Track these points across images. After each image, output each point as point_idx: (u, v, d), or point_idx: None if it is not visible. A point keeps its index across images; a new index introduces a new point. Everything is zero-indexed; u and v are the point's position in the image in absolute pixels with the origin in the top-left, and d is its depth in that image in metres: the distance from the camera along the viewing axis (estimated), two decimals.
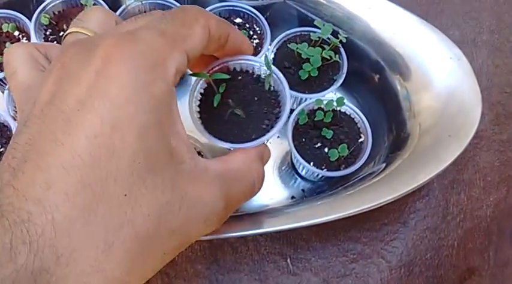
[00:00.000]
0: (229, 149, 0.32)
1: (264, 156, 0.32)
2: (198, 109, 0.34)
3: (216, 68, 0.34)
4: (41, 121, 0.22)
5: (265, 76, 0.35)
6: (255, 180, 0.29)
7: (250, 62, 0.35)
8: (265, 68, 0.35)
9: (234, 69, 0.36)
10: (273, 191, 0.48)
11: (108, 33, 0.25)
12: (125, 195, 0.21)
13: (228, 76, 0.34)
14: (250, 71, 0.36)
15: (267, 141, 0.34)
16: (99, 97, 0.22)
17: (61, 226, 0.20)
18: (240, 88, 0.35)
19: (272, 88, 0.36)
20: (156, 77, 0.23)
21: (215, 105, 0.33)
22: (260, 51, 0.48)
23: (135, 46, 0.23)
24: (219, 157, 0.29)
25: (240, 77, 0.36)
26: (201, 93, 0.34)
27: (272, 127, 0.34)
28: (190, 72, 0.33)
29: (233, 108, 0.34)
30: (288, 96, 0.34)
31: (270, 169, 0.49)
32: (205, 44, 0.27)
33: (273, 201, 0.48)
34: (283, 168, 0.50)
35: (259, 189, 0.30)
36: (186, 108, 0.33)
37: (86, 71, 0.23)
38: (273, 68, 0.34)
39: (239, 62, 0.35)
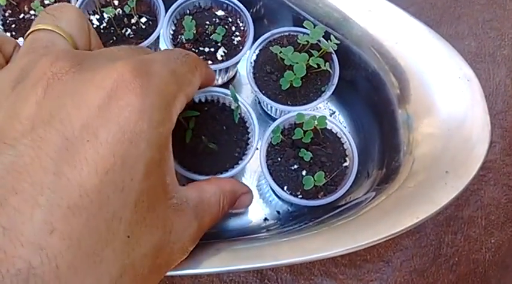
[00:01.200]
0: None
1: (242, 197, 0.33)
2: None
3: None
4: (35, 144, 0.19)
5: (230, 105, 0.37)
6: (220, 215, 0.30)
7: (215, 93, 0.37)
8: (230, 97, 0.36)
9: (200, 100, 0.37)
10: (245, 212, 0.43)
11: (118, 55, 0.25)
12: (128, 236, 0.20)
13: (197, 113, 0.35)
14: (216, 100, 0.37)
15: (242, 169, 0.36)
16: (112, 127, 0.20)
17: (65, 276, 0.18)
18: (208, 119, 0.37)
19: (239, 115, 0.37)
20: (165, 117, 0.23)
21: (187, 141, 0.35)
22: (241, 49, 0.42)
23: (151, 80, 0.22)
24: (194, 184, 0.29)
25: (206, 108, 0.37)
26: None
27: (244, 154, 0.36)
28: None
29: (205, 143, 0.35)
30: (256, 124, 0.36)
31: (247, 183, 0.44)
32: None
33: (244, 220, 0.43)
34: (260, 182, 0.45)
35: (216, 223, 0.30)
36: None
37: (95, 92, 0.21)
38: (239, 98, 0.36)
39: (204, 93, 0.36)
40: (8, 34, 0.43)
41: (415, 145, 0.37)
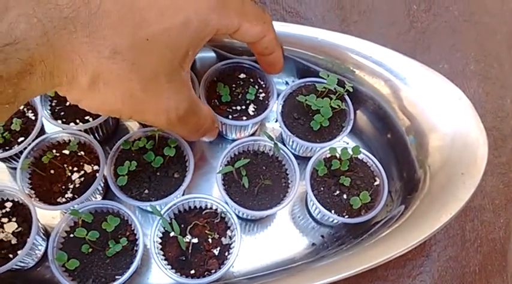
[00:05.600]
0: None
1: (214, 129, 0.43)
2: (223, 185, 0.45)
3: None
4: None
5: (259, 149, 0.47)
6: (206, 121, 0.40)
7: (245, 143, 0.47)
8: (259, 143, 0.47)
9: (234, 154, 0.47)
10: (292, 239, 0.49)
11: None
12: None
13: (248, 161, 0.44)
14: (246, 150, 0.47)
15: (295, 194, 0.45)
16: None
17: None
18: (250, 165, 0.46)
19: (280, 161, 0.47)
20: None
21: (247, 186, 0.44)
22: (268, 103, 0.49)
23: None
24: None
25: (243, 157, 0.46)
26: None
27: (288, 184, 0.46)
28: (218, 171, 0.44)
29: (262, 182, 0.44)
30: (293, 159, 0.45)
31: (287, 218, 0.50)
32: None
33: (295, 250, 0.48)
34: (298, 215, 0.50)
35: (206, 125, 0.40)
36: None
37: None
38: (279, 145, 0.45)
39: (237, 146, 0.46)
40: (59, 121, 0.48)
41: (427, 157, 0.45)
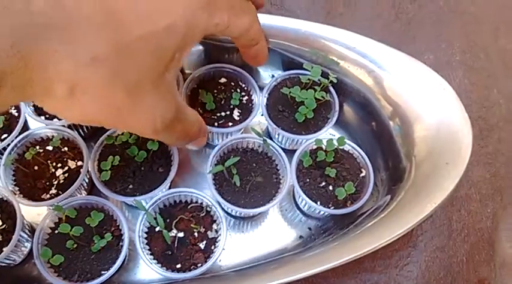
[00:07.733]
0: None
1: (202, 138, 0.41)
2: (214, 185, 0.44)
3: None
4: None
5: (247, 146, 0.47)
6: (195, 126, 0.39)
7: (234, 141, 0.46)
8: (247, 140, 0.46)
9: (223, 152, 0.46)
10: (280, 232, 0.48)
11: None
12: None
13: (238, 158, 0.44)
14: (235, 147, 0.47)
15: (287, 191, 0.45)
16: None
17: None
18: (240, 162, 0.46)
19: (270, 156, 0.47)
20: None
21: (238, 184, 0.44)
22: (252, 106, 0.49)
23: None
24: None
25: (232, 155, 0.46)
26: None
27: (279, 180, 0.46)
28: (209, 171, 0.44)
29: (254, 179, 0.45)
30: (283, 155, 0.45)
31: (275, 211, 0.50)
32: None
33: (282, 243, 0.48)
34: (286, 208, 0.50)
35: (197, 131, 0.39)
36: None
37: None
38: (268, 140, 0.45)
39: (225, 145, 0.46)
40: (42, 117, 0.47)
41: (413, 148, 0.45)
